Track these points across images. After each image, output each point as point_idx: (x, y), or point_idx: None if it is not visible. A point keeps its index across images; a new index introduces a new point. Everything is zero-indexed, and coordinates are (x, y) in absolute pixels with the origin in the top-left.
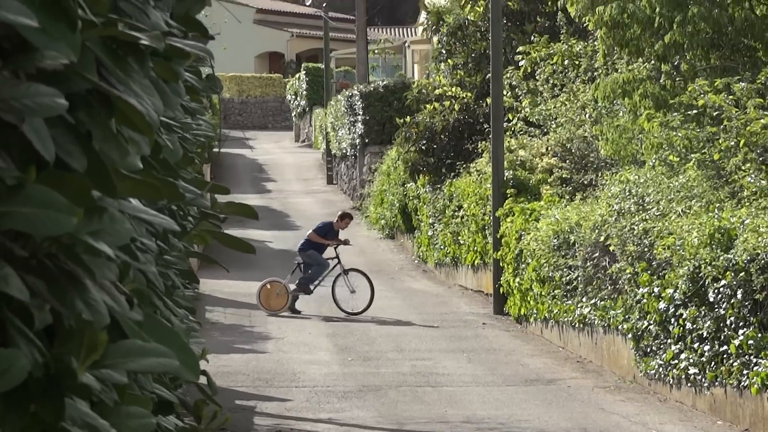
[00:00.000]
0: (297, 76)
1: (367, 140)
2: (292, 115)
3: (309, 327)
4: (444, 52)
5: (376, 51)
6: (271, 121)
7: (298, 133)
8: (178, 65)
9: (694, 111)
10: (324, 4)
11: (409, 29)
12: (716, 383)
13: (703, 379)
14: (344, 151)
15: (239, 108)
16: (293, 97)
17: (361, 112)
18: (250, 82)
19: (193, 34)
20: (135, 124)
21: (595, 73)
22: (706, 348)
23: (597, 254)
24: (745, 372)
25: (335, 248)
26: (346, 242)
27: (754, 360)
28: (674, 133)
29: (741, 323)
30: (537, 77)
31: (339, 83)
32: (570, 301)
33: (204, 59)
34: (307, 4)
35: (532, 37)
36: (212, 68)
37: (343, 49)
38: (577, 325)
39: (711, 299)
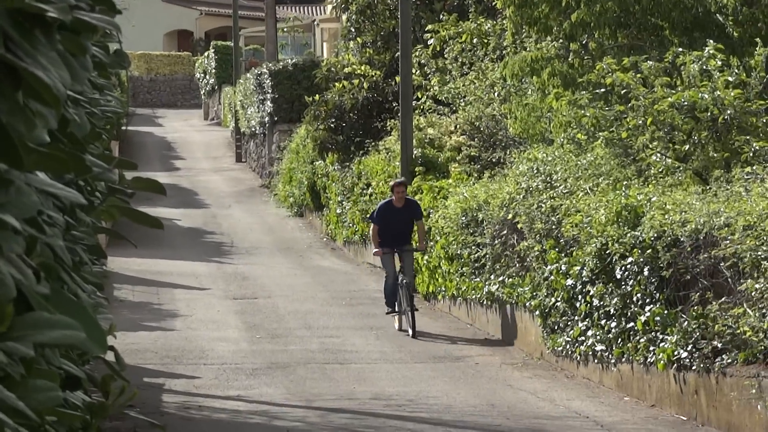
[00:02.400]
0: (206, 54)
1: (276, 118)
2: (201, 93)
3: (217, 305)
4: (353, 30)
5: (285, 29)
6: (180, 99)
7: (207, 111)
8: (85, 39)
9: (602, 90)
10: None
11: (318, 7)
12: (623, 360)
13: (610, 356)
14: (253, 129)
15: (148, 86)
16: (202, 75)
17: (270, 91)
18: (159, 60)
19: (101, 8)
20: (42, 96)
21: (504, 52)
22: (613, 325)
23: (505, 232)
24: (651, 348)
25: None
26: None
27: (661, 336)
28: (582, 111)
29: (647, 300)
30: (446, 56)
31: (248, 61)
32: (478, 279)
33: (112, 35)
34: None
35: (441, 16)
36: (120, 43)
37: (252, 28)
38: (485, 303)
39: (618, 276)
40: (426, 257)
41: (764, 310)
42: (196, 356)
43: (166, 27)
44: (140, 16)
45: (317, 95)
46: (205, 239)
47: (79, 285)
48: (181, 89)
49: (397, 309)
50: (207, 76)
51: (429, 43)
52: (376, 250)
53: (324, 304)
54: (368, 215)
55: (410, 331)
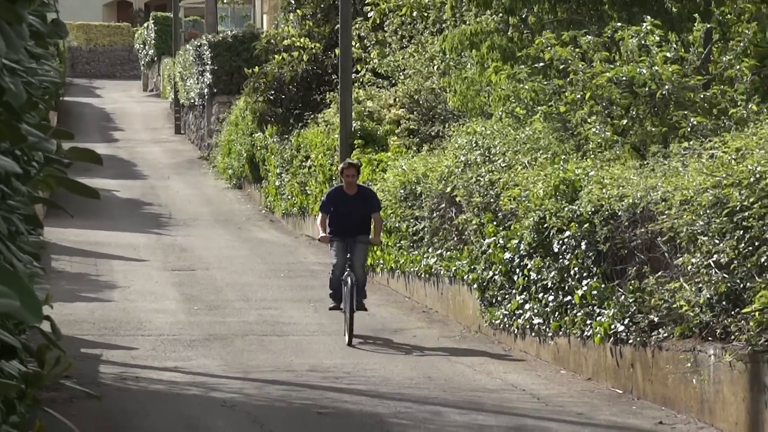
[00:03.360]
0: (145, 25)
1: (215, 90)
2: (141, 64)
3: (155, 276)
4: (293, 2)
5: (225, 1)
6: (119, 70)
7: (146, 82)
8: (21, 8)
9: (541, 64)
10: None
11: None
12: (560, 333)
13: (547, 329)
14: (192, 101)
15: (87, 56)
16: (141, 46)
17: (209, 62)
18: (99, 30)
19: None
20: None
21: (444, 25)
22: (550, 298)
23: (443, 205)
24: (588, 322)
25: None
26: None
27: (597, 310)
28: (521, 85)
29: (585, 274)
30: (386, 28)
31: (188, 33)
32: (416, 252)
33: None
34: None
35: None
36: (57, 13)
37: None
38: (423, 276)
39: (555, 250)
40: None
41: (700, 285)
42: (133, 327)
43: None
44: None
45: (257, 67)
46: (143, 210)
47: (14, 254)
48: (120, 60)
49: (342, 306)
50: (146, 48)
51: (369, 15)
52: (322, 235)
53: (262, 277)
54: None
55: (346, 337)
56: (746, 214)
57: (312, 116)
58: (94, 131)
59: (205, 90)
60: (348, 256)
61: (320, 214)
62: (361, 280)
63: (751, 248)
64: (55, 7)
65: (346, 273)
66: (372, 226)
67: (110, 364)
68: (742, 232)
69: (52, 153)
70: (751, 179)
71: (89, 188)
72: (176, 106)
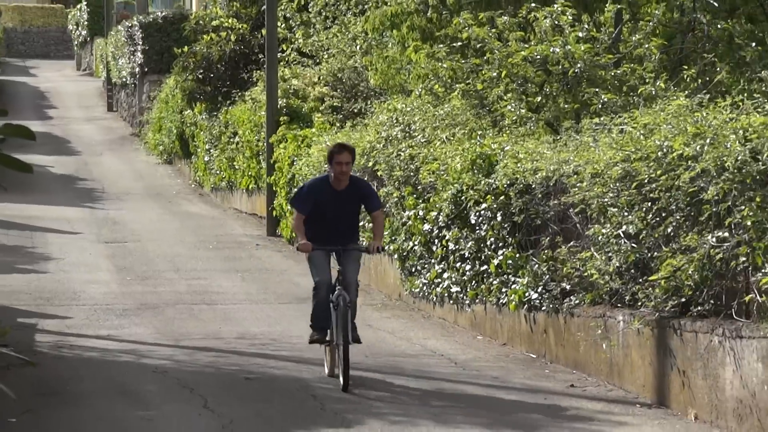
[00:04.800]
0: (78, 6)
1: (146, 69)
2: (74, 44)
3: (89, 248)
4: None
5: None
6: (53, 50)
7: (79, 62)
8: None
9: (459, 43)
10: None
11: None
12: (477, 301)
13: (465, 297)
14: (124, 80)
15: (22, 37)
16: (75, 27)
17: (140, 42)
18: (33, 12)
19: None
20: None
21: (366, 6)
22: (468, 267)
23: (366, 179)
24: (503, 290)
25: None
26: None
27: (512, 279)
28: (440, 64)
29: (500, 244)
30: (310, 10)
31: (119, 14)
32: None
33: None
34: None
35: None
36: None
37: None
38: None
39: (472, 221)
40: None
41: (610, 254)
42: (68, 298)
43: None
44: None
45: (186, 47)
46: (77, 185)
47: None
48: (54, 41)
49: (328, 338)
50: (79, 28)
51: None
52: (302, 242)
53: (192, 248)
54: (292, 196)
55: (341, 378)
56: (653, 186)
57: (239, 94)
58: (28, 109)
59: (137, 69)
60: (339, 270)
61: (295, 214)
62: (355, 301)
63: (658, 219)
64: None
65: (336, 293)
66: (373, 229)
67: (46, 333)
68: (649, 204)
69: None
70: (659, 153)
71: (23, 163)
72: (109, 84)
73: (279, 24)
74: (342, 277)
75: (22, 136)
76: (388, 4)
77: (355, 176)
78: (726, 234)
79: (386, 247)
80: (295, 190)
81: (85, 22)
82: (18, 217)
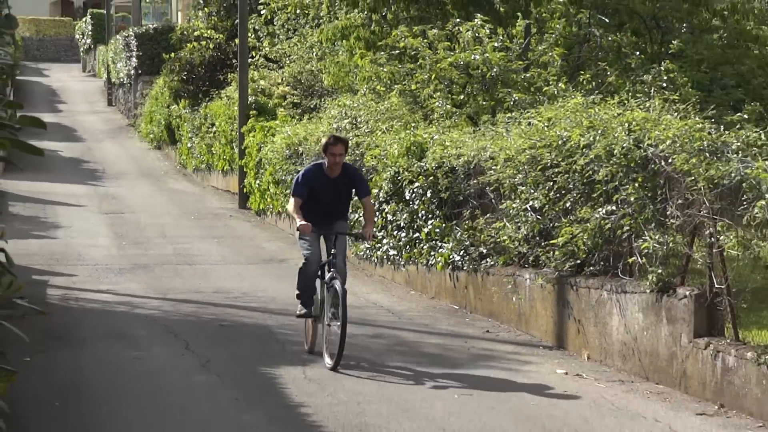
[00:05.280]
0: (84, 19)
1: (140, 71)
2: (80, 51)
3: (91, 218)
4: (201, 1)
5: (147, 0)
6: (63, 55)
7: (84, 65)
8: None
9: (397, 51)
10: None
11: None
12: (410, 262)
13: (400, 259)
14: (122, 80)
15: (37, 44)
16: (81, 36)
17: (135, 49)
18: (46, 24)
19: None
20: None
21: (321, 21)
22: (403, 235)
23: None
24: (432, 253)
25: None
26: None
27: (439, 244)
28: (381, 68)
29: (429, 216)
30: (275, 23)
31: (118, 26)
32: None
33: (3, 2)
34: None
35: None
36: (9, 8)
37: None
38: None
39: (407, 197)
40: (257, 181)
41: (519, 224)
42: (74, 259)
43: None
44: None
45: (173, 53)
46: (82, 167)
47: None
48: (64, 47)
49: (314, 312)
50: (85, 37)
51: (262, 12)
52: (302, 223)
53: (177, 218)
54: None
55: (328, 360)
56: (555, 170)
57: (216, 92)
58: (42, 104)
59: (132, 71)
60: (333, 251)
61: (293, 199)
62: (344, 280)
63: (558, 196)
64: (8, 5)
65: (330, 275)
66: (363, 215)
67: (55, 288)
68: (551, 183)
69: (5, 119)
70: (559, 142)
71: (36, 147)
72: (109, 84)
73: (249, 34)
74: (335, 259)
75: (35, 126)
76: (339, 18)
77: (347, 164)
78: (613, 208)
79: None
80: (293, 177)
81: (90, 32)
82: (33, 193)
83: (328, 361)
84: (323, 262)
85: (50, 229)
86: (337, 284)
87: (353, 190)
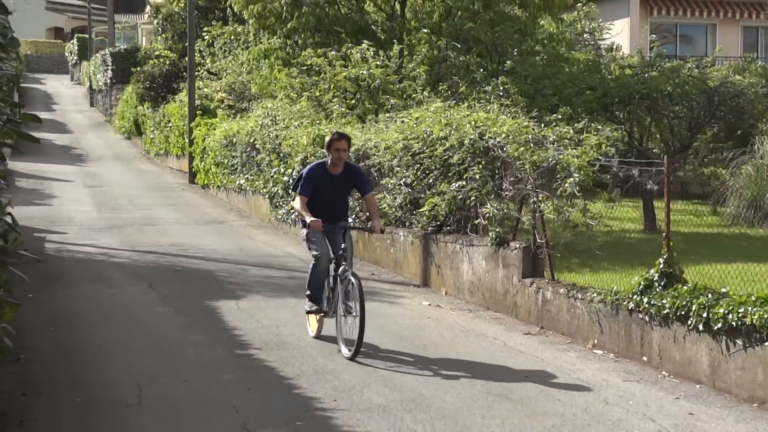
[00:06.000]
0: (72, 41)
1: (114, 81)
2: (69, 65)
3: (78, 191)
4: (160, 29)
5: (119, 28)
6: (56, 68)
7: (72, 76)
8: None
9: (305, 67)
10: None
11: (140, 15)
12: None
13: None
14: (100, 87)
15: (36, 60)
16: (69, 54)
17: (110, 64)
18: (43, 44)
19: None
20: None
21: (249, 44)
22: None
23: (249, 149)
24: None
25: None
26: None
27: None
28: (293, 80)
29: None
30: (215, 45)
31: (97, 47)
32: (233, 176)
33: (8, 27)
34: None
35: (213, 22)
36: (12, 32)
37: (100, 26)
38: (237, 190)
39: None
40: (203, 163)
41: (395, 196)
42: (65, 221)
43: (47, 25)
44: (31, 17)
45: (139, 68)
46: (70, 152)
47: None
48: (56, 62)
49: (324, 308)
50: (72, 55)
51: (205, 38)
52: (313, 219)
53: (142, 191)
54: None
55: (345, 350)
56: (421, 155)
57: (172, 97)
58: (40, 105)
59: (108, 81)
60: (344, 246)
61: (299, 197)
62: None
63: (423, 175)
64: (11, 29)
65: (343, 269)
66: (368, 210)
67: (51, 242)
68: (419, 165)
69: (9, 115)
70: (424, 135)
71: (34, 137)
72: (90, 90)
73: (196, 54)
74: (345, 253)
75: (33, 120)
76: (262, 43)
77: (348, 162)
78: (464, 183)
79: (261, 191)
80: (296, 176)
81: (76, 51)
82: (34, 171)
83: (345, 351)
84: (332, 258)
85: (46, 199)
86: (352, 277)
87: (354, 188)
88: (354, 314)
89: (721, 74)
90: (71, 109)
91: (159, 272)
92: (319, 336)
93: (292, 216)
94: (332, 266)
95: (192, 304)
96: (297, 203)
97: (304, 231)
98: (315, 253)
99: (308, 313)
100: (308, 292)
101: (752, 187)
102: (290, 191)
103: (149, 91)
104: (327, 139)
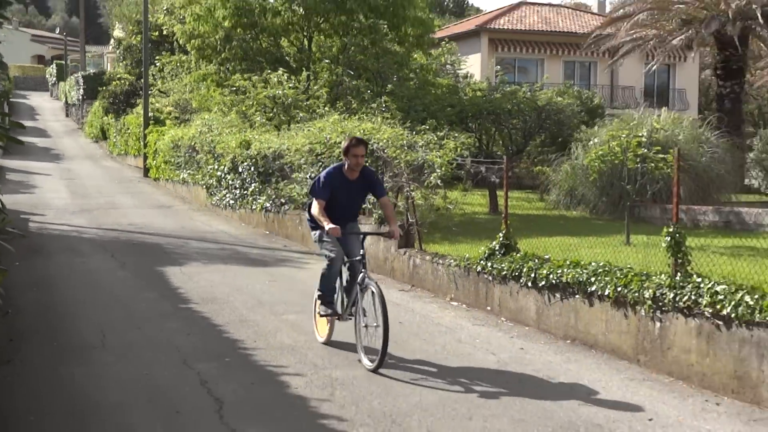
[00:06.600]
0: (51, 66)
1: (85, 97)
2: (49, 84)
3: (56, 183)
4: (122, 57)
5: (90, 56)
6: (39, 87)
7: (52, 93)
8: None
9: (234, 88)
10: (65, 33)
11: (106, 46)
12: (241, 207)
13: (236, 205)
14: (74, 102)
15: (22, 80)
16: (50, 76)
17: (82, 84)
18: (28, 68)
19: None
20: None
21: (191, 70)
22: (237, 192)
23: (190, 151)
24: (254, 202)
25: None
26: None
27: (258, 197)
28: (225, 97)
29: (252, 181)
30: (165, 71)
31: (72, 70)
32: (178, 171)
33: None
34: (57, 32)
35: (163, 52)
36: (2, 57)
37: (74, 54)
38: (181, 182)
39: (240, 170)
40: (154, 161)
41: (302, 186)
42: (45, 205)
43: (31, 53)
44: (18, 48)
45: (105, 87)
46: (50, 152)
47: None
48: (39, 82)
49: (339, 311)
50: (52, 77)
51: (157, 64)
52: (332, 226)
53: (107, 183)
54: (309, 188)
55: (366, 360)
56: (322, 156)
57: (130, 110)
58: (25, 115)
59: (80, 97)
60: (362, 251)
61: (317, 201)
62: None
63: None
64: (1, 56)
65: (362, 276)
66: (384, 214)
67: (33, 222)
68: (321, 163)
69: (2, 123)
70: (325, 140)
71: (20, 140)
72: (66, 104)
73: (149, 77)
74: (364, 259)
75: (18, 127)
76: (201, 68)
77: (364, 167)
78: None
79: (200, 182)
80: (312, 181)
81: (54, 74)
82: (21, 167)
83: (367, 362)
84: (345, 261)
85: (30, 188)
86: (374, 287)
87: (369, 192)
88: (376, 324)
89: (547, 96)
90: (51, 119)
91: (119, 245)
92: (328, 342)
93: (306, 220)
94: (344, 270)
95: (145, 269)
96: (315, 208)
97: (316, 233)
98: (330, 255)
99: (322, 316)
100: (319, 293)
101: (569, 180)
102: (308, 195)
103: (113, 105)
104: (344, 144)
